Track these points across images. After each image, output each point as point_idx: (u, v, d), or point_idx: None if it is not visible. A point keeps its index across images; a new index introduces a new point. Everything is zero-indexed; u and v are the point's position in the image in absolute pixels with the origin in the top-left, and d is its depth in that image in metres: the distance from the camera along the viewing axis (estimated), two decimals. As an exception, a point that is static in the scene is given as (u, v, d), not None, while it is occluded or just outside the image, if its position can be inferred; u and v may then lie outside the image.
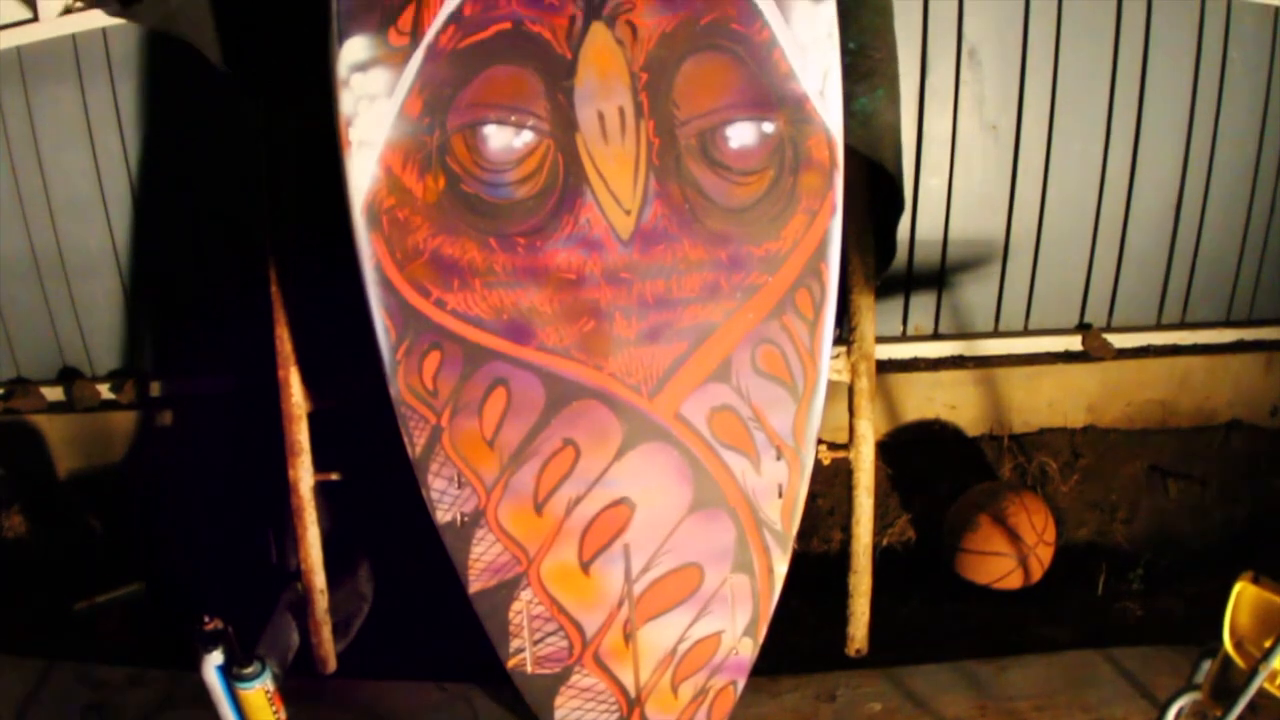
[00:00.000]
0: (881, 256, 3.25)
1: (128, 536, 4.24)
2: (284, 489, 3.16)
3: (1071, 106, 4.23)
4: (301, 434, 3.16)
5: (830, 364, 2.78)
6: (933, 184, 4.26)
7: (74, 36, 4.18)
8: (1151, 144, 4.40)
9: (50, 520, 4.40)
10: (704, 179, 2.62)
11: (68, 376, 4.67)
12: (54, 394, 4.65)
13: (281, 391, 3.17)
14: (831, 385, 2.81)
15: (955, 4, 4.04)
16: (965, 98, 4.17)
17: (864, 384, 3.22)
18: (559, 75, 2.59)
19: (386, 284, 2.61)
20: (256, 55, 3.03)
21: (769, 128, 2.63)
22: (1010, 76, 4.18)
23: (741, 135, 2.64)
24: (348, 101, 2.57)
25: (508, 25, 2.60)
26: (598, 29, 2.60)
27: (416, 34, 2.59)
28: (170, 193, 4.30)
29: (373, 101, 2.58)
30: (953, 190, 4.28)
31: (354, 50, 2.58)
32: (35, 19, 4.20)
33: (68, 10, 4.16)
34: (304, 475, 3.17)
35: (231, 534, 3.85)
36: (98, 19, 4.13)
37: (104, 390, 4.60)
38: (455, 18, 2.59)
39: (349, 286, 2.67)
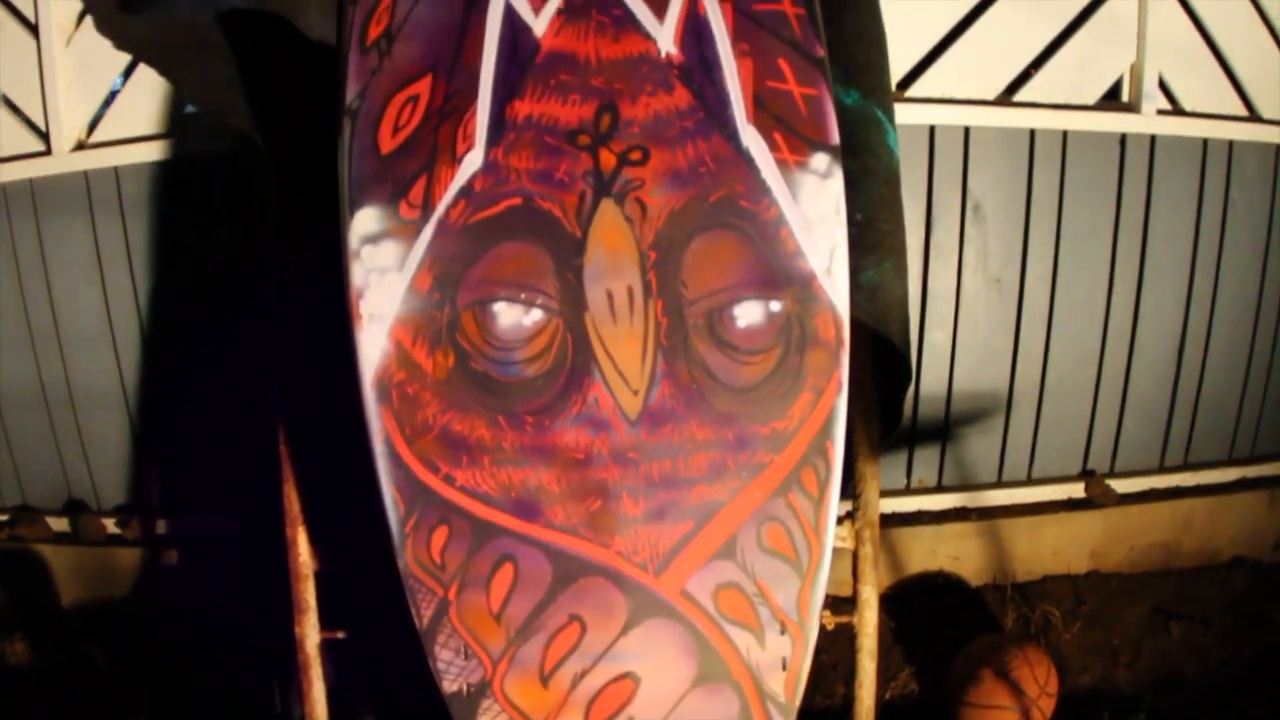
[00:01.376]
0: (887, 424, 3.26)
1: (131, 672, 4.21)
2: (289, 641, 3.14)
3: (1075, 257, 4.26)
4: (308, 592, 3.17)
5: (835, 531, 2.76)
6: (937, 338, 4.28)
7: (86, 173, 4.22)
8: (1154, 288, 4.44)
9: (53, 649, 4.38)
10: (711, 359, 2.63)
11: (74, 508, 4.68)
12: (59, 524, 4.66)
13: (289, 550, 3.18)
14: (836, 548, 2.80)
15: (960, 161, 4.08)
16: (970, 252, 4.21)
17: (868, 550, 3.22)
18: (569, 253, 2.61)
19: (396, 458, 2.62)
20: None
21: (776, 306, 2.64)
22: (1014, 230, 4.22)
23: (749, 314, 2.66)
24: (359, 274, 2.60)
25: (518, 201, 2.63)
26: (607, 206, 2.63)
27: (427, 208, 2.62)
28: (179, 333, 4.31)
29: (383, 275, 2.61)
30: (957, 344, 4.31)
31: (365, 222, 2.61)
32: (49, 152, 4.24)
33: (80, 146, 4.20)
34: (310, 633, 3.17)
35: (236, 679, 3.83)
36: (110, 157, 4.19)
37: (110, 525, 4.59)
38: (466, 192, 2.62)
39: (359, 451, 2.67)
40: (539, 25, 2.73)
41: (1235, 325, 4.83)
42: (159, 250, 4.44)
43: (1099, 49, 4.35)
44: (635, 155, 2.67)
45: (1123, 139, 4.46)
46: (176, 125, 4.32)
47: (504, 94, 2.69)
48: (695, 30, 2.74)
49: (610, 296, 2.64)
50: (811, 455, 2.73)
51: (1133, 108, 4.44)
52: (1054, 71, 4.35)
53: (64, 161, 4.39)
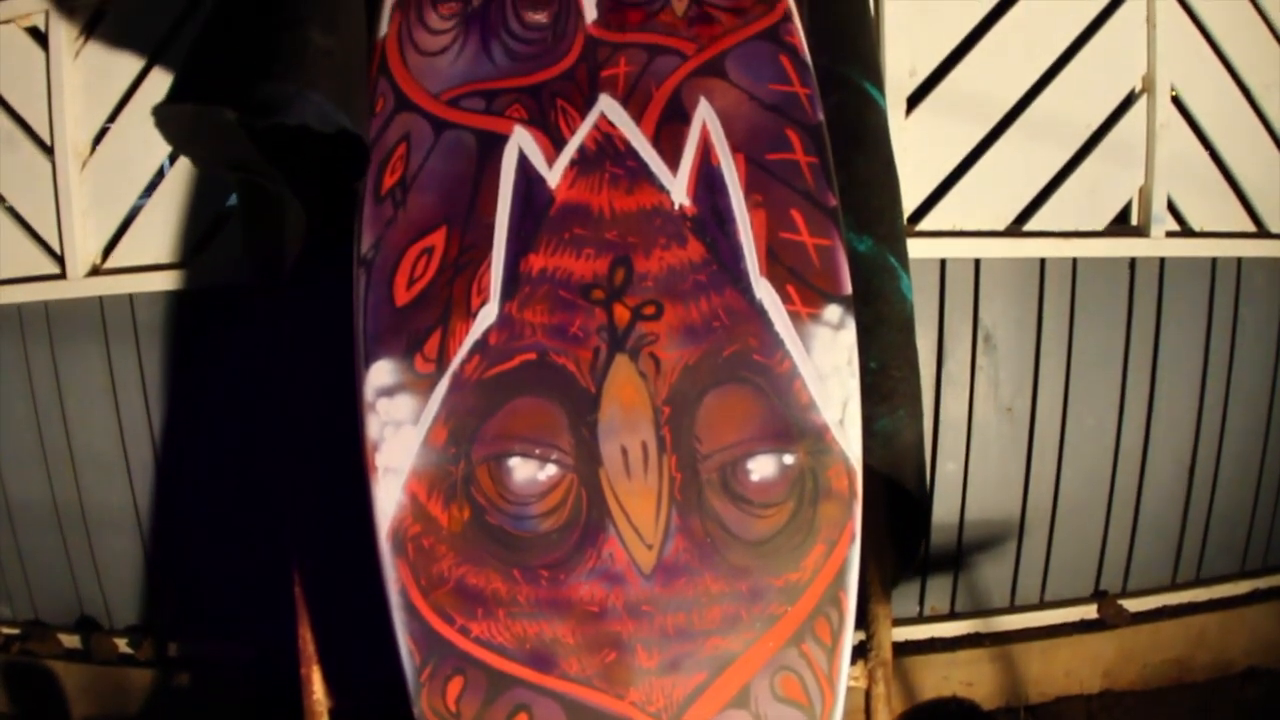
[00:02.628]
0: (901, 566, 3.26)
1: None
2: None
3: (1085, 382, 4.27)
4: (323, 730, 3.16)
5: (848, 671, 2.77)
6: (949, 469, 4.28)
7: (101, 299, 4.23)
8: (1165, 408, 4.44)
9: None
10: (725, 513, 2.63)
11: (85, 626, 4.67)
12: (71, 641, 4.66)
13: (303, 689, 3.18)
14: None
15: (971, 292, 4.09)
16: (981, 382, 4.22)
17: (880, 689, 3.23)
18: (583, 409, 2.62)
19: (411, 609, 2.62)
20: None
21: (789, 460, 2.65)
22: (1025, 359, 4.23)
23: (763, 468, 2.66)
24: (374, 426, 2.61)
25: (532, 356, 2.65)
26: (621, 362, 2.64)
27: (442, 362, 2.63)
28: (193, 458, 4.31)
29: (398, 428, 2.62)
30: (969, 474, 4.31)
31: (380, 375, 2.62)
32: (63, 276, 4.26)
33: (95, 271, 4.23)
34: (325, 771, 3.15)
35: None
36: (124, 284, 4.22)
37: (122, 644, 4.58)
38: (480, 347, 2.64)
39: (375, 595, 2.68)
40: (553, 177, 2.75)
41: (1246, 438, 4.84)
42: (173, 377, 4.46)
43: (1108, 173, 4.39)
44: (649, 310, 2.68)
45: (1132, 263, 4.49)
46: (190, 255, 4.34)
47: (518, 247, 2.71)
48: (708, 181, 2.77)
49: (624, 452, 2.64)
50: (825, 605, 2.73)
51: (1142, 231, 4.47)
52: (1063, 198, 4.39)
53: (78, 286, 4.42)
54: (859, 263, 2.98)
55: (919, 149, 3.95)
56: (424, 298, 2.70)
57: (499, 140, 2.77)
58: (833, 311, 2.72)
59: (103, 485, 4.48)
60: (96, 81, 4.25)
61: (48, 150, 4.30)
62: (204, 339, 4.23)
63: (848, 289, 2.74)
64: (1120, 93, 4.23)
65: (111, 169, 4.24)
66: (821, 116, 2.83)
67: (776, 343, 2.70)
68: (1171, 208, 4.35)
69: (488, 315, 2.69)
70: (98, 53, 4.22)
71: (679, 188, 2.76)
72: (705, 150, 2.78)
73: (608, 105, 2.81)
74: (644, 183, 2.76)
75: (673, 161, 2.78)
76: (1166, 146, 4.25)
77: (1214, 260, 4.47)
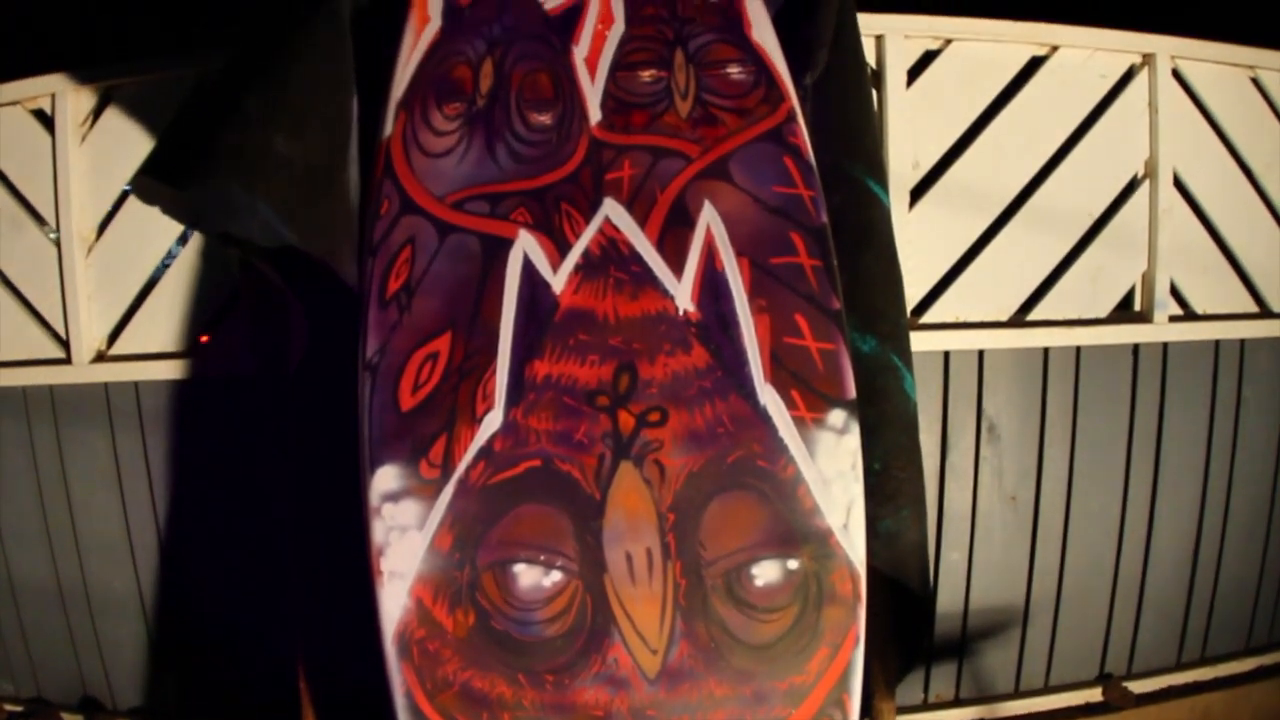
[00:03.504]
0: (905, 661, 3.26)
1: None
2: None
3: (1089, 468, 4.27)
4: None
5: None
6: (953, 558, 4.28)
7: (106, 386, 4.23)
8: (1169, 491, 4.43)
9: None
10: (729, 618, 2.63)
11: (89, 706, 4.65)
12: (74, 720, 4.62)
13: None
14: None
15: (975, 384, 4.10)
16: (985, 472, 4.21)
17: (886, 783, 3.20)
18: (588, 515, 2.62)
19: (417, 712, 2.63)
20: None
21: (793, 564, 2.66)
22: (1029, 448, 4.23)
23: (766, 573, 2.67)
24: (379, 530, 2.61)
25: (538, 463, 2.65)
26: (626, 469, 2.64)
27: (448, 467, 2.63)
28: (197, 544, 4.31)
29: (404, 533, 2.62)
30: (973, 562, 4.30)
31: (385, 480, 2.63)
32: (69, 361, 4.26)
33: (100, 357, 4.23)
34: None
35: None
36: (129, 371, 4.22)
37: (125, 726, 4.57)
38: (486, 453, 2.64)
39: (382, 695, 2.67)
40: (557, 282, 2.76)
41: (1250, 513, 4.83)
42: (178, 464, 4.46)
43: (1111, 260, 4.40)
44: (654, 416, 2.69)
45: (1135, 349, 4.48)
46: (195, 345, 4.34)
47: (523, 353, 2.72)
48: (713, 287, 2.78)
49: (629, 558, 2.65)
50: (828, 708, 2.73)
51: (1145, 317, 4.47)
52: (1066, 287, 4.39)
53: (84, 372, 4.42)
54: (862, 363, 2.99)
55: (922, 242, 3.96)
56: (429, 403, 2.71)
57: (504, 245, 2.78)
58: (837, 416, 2.73)
59: (107, 568, 4.48)
60: (102, 167, 4.25)
61: (53, 234, 4.28)
62: (209, 428, 4.22)
63: (852, 393, 2.75)
64: (1122, 179, 4.24)
65: (117, 255, 4.24)
66: (825, 218, 2.84)
67: (780, 448, 2.70)
68: (1174, 291, 4.36)
69: (493, 422, 2.70)
70: (104, 137, 4.22)
71: (683, 293, 2.77)
72: (709, 255, 2.79)
73: (612, 209, 2.82)
74: (648, 288, 2.77)
75: (677, 266, 2.78)
76: (1169, 231, 4.26)
77: (1217, 343, 4.45)
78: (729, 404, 2.71)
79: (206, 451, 4.24)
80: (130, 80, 4.20)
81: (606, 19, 2.94)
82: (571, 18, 2.95)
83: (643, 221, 2.79)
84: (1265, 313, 4.53)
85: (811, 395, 2.72)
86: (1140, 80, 4.23)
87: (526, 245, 2.76)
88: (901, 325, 3.20)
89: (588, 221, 2.79)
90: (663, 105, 2.89)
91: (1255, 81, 4.47)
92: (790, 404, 2.72)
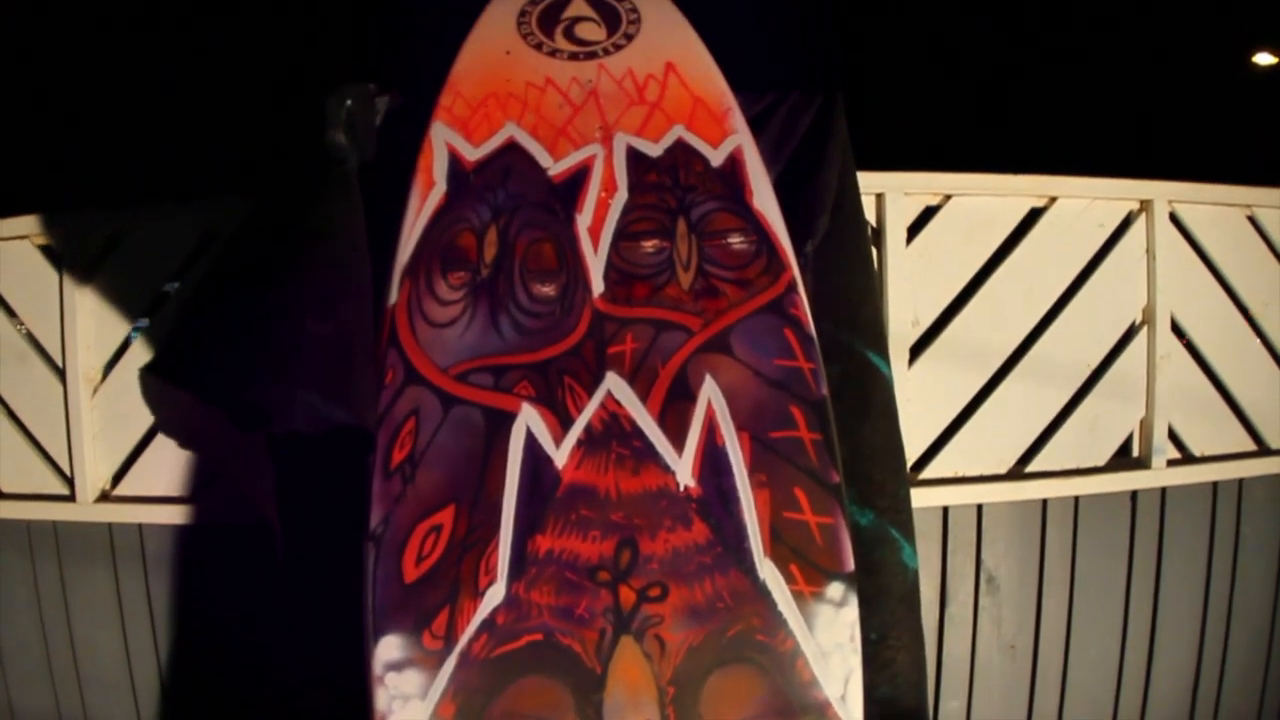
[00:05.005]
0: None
1: None
2: None
3: (1088, 615, 4.28)
4: None
5: None
6: (952, 706, 4.28)
7: (110, 526, 4.24)
8: (1167, 634, 4.44)
9: None
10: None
11: (87, 843, 4.63)
12: None
13: None
14: None
15: (974, 537, 4.12)
16: (984, 622, 4.22)
17: None
18: (589, 689, 2.65)
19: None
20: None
21: (791, 734, 2.65)
22: (1027, 597, 4.24)
23: (768, 742, 2.65)
24: (382, 699, 2.64)
25: (539, 637, 2.68)
26: (626, 643, 2.66)
27: (450, 639, 2.65)
28: (199, 684, 4.31)
29: (406, 702, 2.65)
30: (972, 711, 4.30)
31: (389, 648, 2.65)
32: (72, 499, 4.27)
33: (104, 497, 4.25)
34: None
35: None
36: (133, 513, 4.23)
37: None
38: (488, 626, 2.67)
39: None
40: (560, 457, 2.79)
41: (1249, 653, 4.82)
42: (181, 606, 4.46)
43: (1109, 409, 4.43)
44: (654, 592, 2.71)
45: (1134, 495, 4.49)
46: (198, 490, 4.36)
47: (525, 527, 2.74)
48: (713, 462, 2.81)
49: (630, 734, 2.65)
50: None
51: (1143, 463, 4.49)
52: (1064, 437, 4.42)
53: (87, 511, 4.44)
54: (860, 536, 3.02)
55: (921, 398, 3.99)
56: (433, 575, 2.73)
57: (507, 418, 2.81)
58: (835, 589, 2.76)
59: (108, 705, 4.48)
60: (109, 307, 4.27)
61: (59, 372, 4.31)
62: (212, 573, 4.24)
63: (850, 566, 2.78)
64: (1120, 327, 4.28)
65: (123, 396, 4.26)
66: (825, 391, 2.88)
67: (779, 622, 2.73)
68: (1172, 435, 4.38)
69: (495, 595, 2.72)
70: (112, 278, 4.24)
71: (684, 469, 2.80)
72: (710, 430, 2.82)
73: (614, 384, 2.85)
74: (650, 463, 2.80)
75: (678, 442, 2.82)
76: (1167, 377, 4.30)
77: (1215, 484, 4.47)
78: (729, 579, 2.73)
79: (209, 596, 4.24)
80: (139, 223, 4.20)
81: (610, 186, 2.98)
82: (575, 184, 2.99)
83: (644, 396, 2.82)
84: (1263, 450, 4.55)
85: (810, 569, 2.75)
86: (1138, 227, 4.27)
87: (529, 419, 2.79)
88: (900, 496, 3.23)
89: (590, 396, 2.83)
90: (665, 276, 2.93)
91: (1252, 219, 4.51)
92: (789, 578, 2.75)
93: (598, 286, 2.93)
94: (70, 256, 4.28)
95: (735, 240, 2.99)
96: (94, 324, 4.30)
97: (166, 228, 4.20)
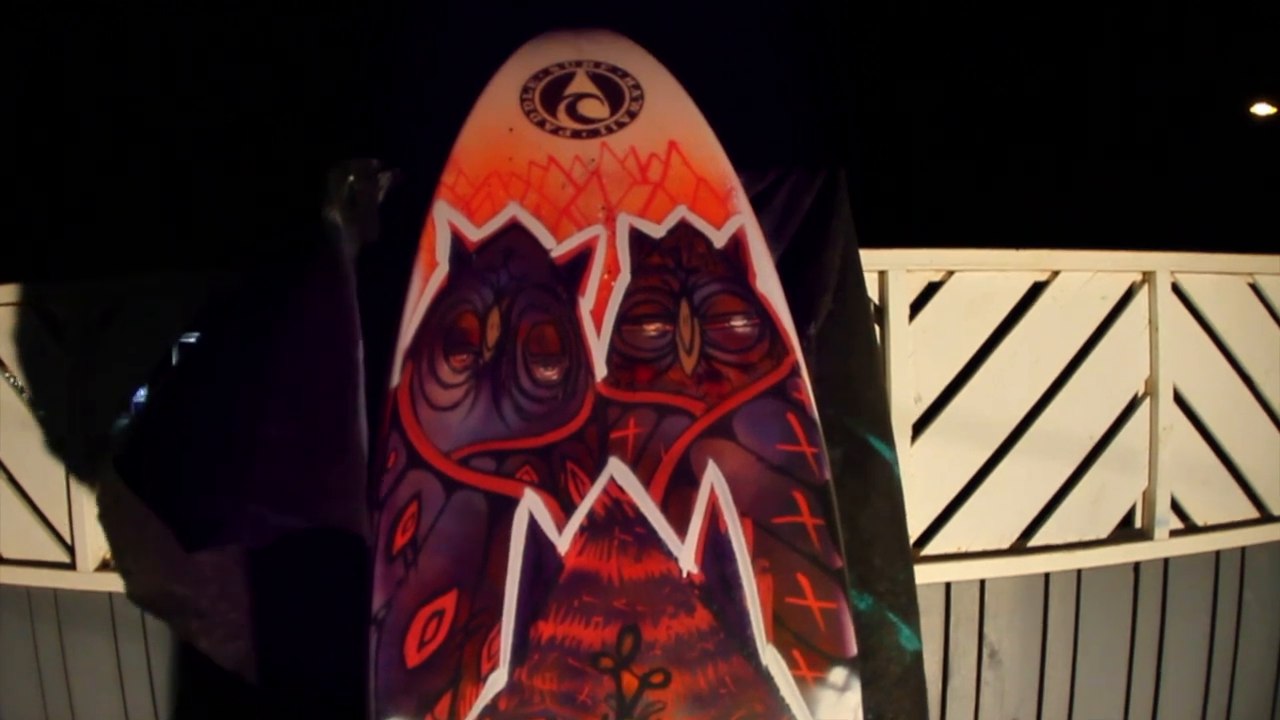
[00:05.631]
0: None
1: None
2: None
3: (1090, 686, 4.28)
4: None
5: None
6: (956, 781, 4.26)
7: (110, 595, 4.23)
8: (1170, 700, 4.44)
9: None
10: None
11: None
12: None
13: None
14: None
15: (977, 611, 4.13)
16: (987, 695, 4.22)
17: None
18: (590, 775, 2.62)
19: None
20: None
21: (793, 828, 2.64)
22: (1030, 670, 4.23)
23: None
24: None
25: (541, 722, 2.65)
26: (628, 732, 2.65)
27: (452, 724, 2.63)
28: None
29: (411, 784, 2.62)
30: (975, 787, 4.28)
31: (391, 729, 2.63)
32: (73, 566, 4.26)
33: (105, 566, 4.24)
34: None
35: None
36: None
37: None
38: (490, 711, 2.67)
39: None
40: (562, 543, 2.79)
41: (1252, 715, 4.80)
42: (182, 676, 4.45)
43: (1111, 481, 4.42)
44: (657, 678, 2.71)
45: (1136, 566, 4.48)
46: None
47: (528, 613, 2.74)
48: (716, 548, 2.81)
49: (635, 823, 2.64)
50: None
51: (1146, 534, 4.48)
52: (1067, 510, 4.41)
53: (88, 579, 4.43)
54: (860, 619, 3.01)
55: (925, 475, 3.99)
56: (435, 660, 2.73)
57: (509, 504, 2.81)
58: (838, 674, 2.75)
59: (106, 772, 4.44)
60: (112, 376, 4.26)
61: (60, 441, 4.31)
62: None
63: (853, 650, 2.78)
64: (1122, 400, 4.28)
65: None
66: (828, 475, 2.88)
67: (782, 707, 2.73)
68: (1174, 505, 4.37)
69: (497, 681, 2.72)
70: (114, 346, 4.24)
71: (687, 555, 2.79)
72: (713, 516, 2.82)
73: (617, 469, 2.85)
74: (653, 550, 2.80)
75: (681, 528, 2.81)
76: (1170, 448, 4.30)
77: (1218, 552, 4.46)
78: (731, 665, 2.73)
79: (210, 668, 4.23)
80: (140, 292, 4.20)
81: (613, 268, 2.98)
82: (578, 265, 2.99)
83: (647, 482, 2.82)
84: (1266, 517, 4.54)
85: (813, 654, 2.75)
86: (1140, 298, 4.27)
87: (532, 505, 2.79)
88: (899, 580, 3.24)
89: (593, 481, 2.83)
90: (668, 360, 2.93)
91: (1254, 287, 4.51)
92: (792, 664, 2.74)
93: (600, 370, 2.93)
94: (73, 324, 4.24)
95: (738, 324, 2.98)
96: (95, 392, 4.27)
97: (168, 298, 4.18)
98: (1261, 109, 14.25)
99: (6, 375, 4.40)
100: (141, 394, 4.29)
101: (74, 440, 4.27)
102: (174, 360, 4.18)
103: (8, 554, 4.41)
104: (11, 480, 4.38)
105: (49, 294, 4.36)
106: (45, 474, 4.37)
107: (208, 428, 2.93)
